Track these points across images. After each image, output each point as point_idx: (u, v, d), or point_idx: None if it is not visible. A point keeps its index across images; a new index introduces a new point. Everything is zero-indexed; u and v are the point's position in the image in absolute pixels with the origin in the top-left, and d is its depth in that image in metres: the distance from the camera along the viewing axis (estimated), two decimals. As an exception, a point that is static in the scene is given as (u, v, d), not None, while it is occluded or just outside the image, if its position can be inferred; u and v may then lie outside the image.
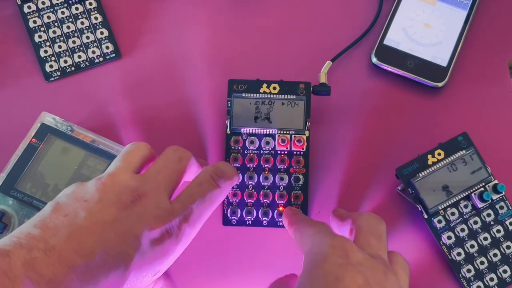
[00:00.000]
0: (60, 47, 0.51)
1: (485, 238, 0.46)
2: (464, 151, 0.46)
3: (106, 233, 0.35)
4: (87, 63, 0.51)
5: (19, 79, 0.51)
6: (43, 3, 0.51)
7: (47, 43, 0.51)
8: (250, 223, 0.46)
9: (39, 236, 0.34)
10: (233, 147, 0.46)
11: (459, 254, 0.45)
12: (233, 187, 0.46)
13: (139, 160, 0.41)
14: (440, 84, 0.50)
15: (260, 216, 0.46)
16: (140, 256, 0.36)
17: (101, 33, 0.51)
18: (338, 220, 0.44)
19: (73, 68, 0.51)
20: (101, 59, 0.51)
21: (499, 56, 0.52)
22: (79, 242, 0.34)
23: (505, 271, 0.45)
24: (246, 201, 0.46)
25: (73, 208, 0.36)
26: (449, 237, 0.45)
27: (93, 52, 0.51)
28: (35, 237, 0.34)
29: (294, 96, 0.46)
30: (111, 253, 0.35)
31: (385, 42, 0.51)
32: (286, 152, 0.46)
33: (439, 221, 0.46)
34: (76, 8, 0.52)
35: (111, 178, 0.38)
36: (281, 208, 0.46)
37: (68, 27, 0.51)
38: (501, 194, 0.46)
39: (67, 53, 0.51)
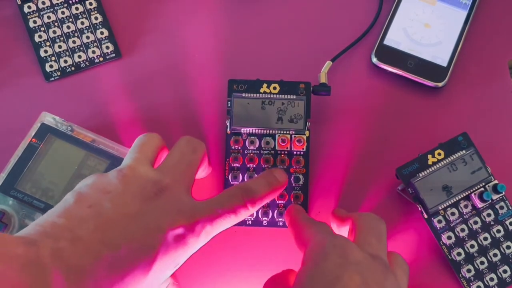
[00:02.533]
0: (60, 47, 0.51)
1: (485, 238, 0.46)
2: (464, 151, 0.46)
3: (130, 226, 0.35)
4: (87, 63, 0.51)
5: (19, 79, 0.51)
6: (43, 3, 0.51)
7: (47, 43, 0.51)
8: (250, 223, 0.46)
9: (64, 226, 0.34)
10: (233, 147, 0.46)
11: (459, 254, 0.45)
12: None
13: (154, 151, 0.41)
14: (440, 84, 0.50)
15: (260, 216, 0.46)
16: (164, 248, 0.36)
17: (101, 33, 0.51)
18: (338, 220, 0.44)
19: (73, 68, 0.51)
20: (101, 59, 0.51)
21: (499, 56, 0.52)
22: (105, 233, 0.34)
23: (505, 271, 0.45)
24: (246, 201, 0.46)
25: (97, 199, 0.36)
26: (449, 237, 0.45)
27: (93, 52, 0.51)
28: (60, 226, 0.34)
29: (294, 96, 0.46)
30: (136, 246, 0.35)
31: (385, 42, 0.51)
32: (286, 152, 0.46)
33: (439, 221, 0.46)
34: (76, 8, 0.52)
35: (131, 170, 0.38)
36: (281, 208, 0.46)
37: (68, 27, 0.51)
38: (501, 194, 0.46)
39: (67, 53, 0.51)
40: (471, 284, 0.45)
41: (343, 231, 0.43)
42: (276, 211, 0.46)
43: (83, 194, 0.37)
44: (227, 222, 0.40)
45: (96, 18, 0.52)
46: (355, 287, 0.35)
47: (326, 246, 0.37)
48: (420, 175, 0.45)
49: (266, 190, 0.41)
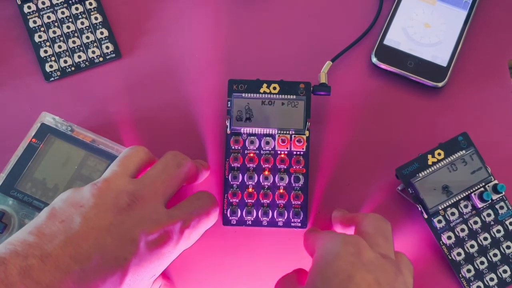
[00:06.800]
0: (60, 47, 0.51)
1: (485, 238, 0.46)
2: (464, 151, 0.46)
3: (102, 238, 0.35)
4: (87, 63, 0.51)
5: (19, 79, 0.51)
6: (43, 3, 0.51)
7: (47, 43, 0.51)
8: (250, 223, 0.46)
9: (34, 243, 0.34)
10: (233, 147, 0.46)
11: (459, 254, 0.45)
12: (232, 187, 0.46)
13: (136, 165, 0.41)
14: (440, 84, 0.50)
15: (260, 216, 0.46)
16: (137, 260, 0.36)
17: (101, 33, 0.51)
18: (341, 223, 0.44)
19: (73, 68, 0.51)
20: (101, 59, 0.51)
21: (499, 56, 0.52)
22: (75, 248, 0.34)
23: (505, 271, 0.45)
24: (246, 201, 0.46)
25: (69, 214, 0.36)
26: (449, 237, 0.45)
27: (93, 52, 0.51)
28: (31, 244, 0.34)
29: (294, 96, 0.46)
30: (108, 258, 0.35)
31: (385, 42, 0.51)
32: (286, 152, 0.46)
33: (439, 221, 0.46)
34: (76, 8, 0.51)
35: (106, 183, 0.38)
36: (281, 208, 0.46)
37: (68, 27, 0.51)
38: (501, 194, 0.46)
39: (67, 53, 0.51)
40: (471, 284, 0.45)
41: (348, 233, 0.43)
42: (276, 211, 0.46)
43: (56, 209, 0.37)
44: (203, 224, 0.41)
45: (96, 18, 0.52)
46: (367, 287, 0.34)
47: (339, 244, 0.37)
48: (420, 175, 0.45)
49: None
